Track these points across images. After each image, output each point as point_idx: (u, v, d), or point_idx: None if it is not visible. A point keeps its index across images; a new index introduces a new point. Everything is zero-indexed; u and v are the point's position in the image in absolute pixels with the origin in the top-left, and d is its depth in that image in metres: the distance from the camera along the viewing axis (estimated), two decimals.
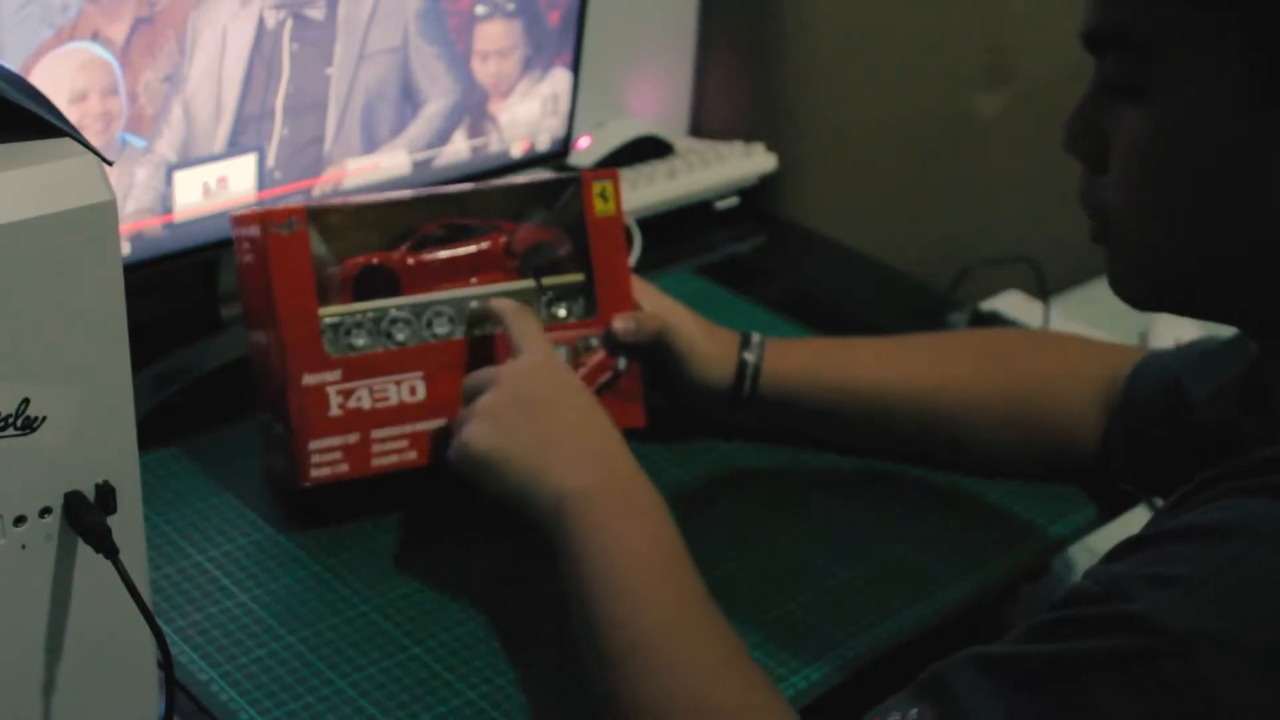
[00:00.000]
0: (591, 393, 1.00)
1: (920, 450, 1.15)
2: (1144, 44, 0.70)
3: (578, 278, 1.10)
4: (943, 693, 0.65)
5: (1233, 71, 0.68)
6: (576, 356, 1.08)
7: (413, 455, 1.05)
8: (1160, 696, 0.60)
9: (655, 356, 1.11)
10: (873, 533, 1.10)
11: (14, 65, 0.99)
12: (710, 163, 1.57)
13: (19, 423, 0.67)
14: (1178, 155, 0.71)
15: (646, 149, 1.57)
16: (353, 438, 1.03)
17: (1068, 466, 1.13)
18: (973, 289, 1.46)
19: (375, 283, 1.05)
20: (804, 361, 1.13)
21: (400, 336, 1.05)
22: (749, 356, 1.11)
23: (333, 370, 1.02)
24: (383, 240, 1.07)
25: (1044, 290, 1.42)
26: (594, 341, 1.09)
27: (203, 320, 1.25)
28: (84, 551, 0.71)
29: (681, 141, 1.63)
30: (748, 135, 1.63)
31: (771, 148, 1.61)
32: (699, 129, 1.69)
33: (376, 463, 1.04)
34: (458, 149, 1.31)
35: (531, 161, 1.38)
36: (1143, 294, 0.77)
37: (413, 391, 1.04)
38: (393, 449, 1.04)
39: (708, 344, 1.11)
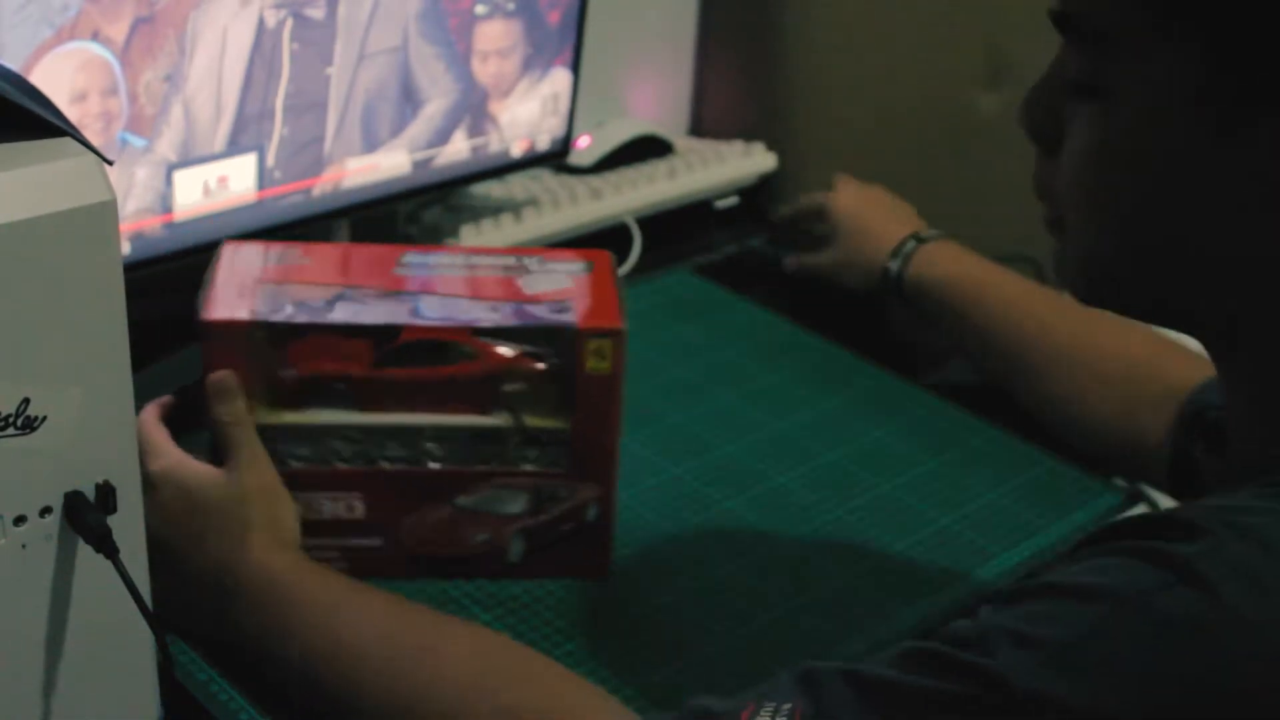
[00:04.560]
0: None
1: (1007, 378, 1.22)
2: (1104, 39, 0.69)
3: (561, 425, 0.98)
4: (815, 694, 0.67)
5: (1183, 84, 0.66)
6: (539, 504, 0.99)
7: (343, 566, 0.97)
8: None
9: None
10: (872, 533, 1.10)
11: (14, 65, 0.99)
12: (710, 162, 1.57)
13: (19, 423, 0.67)
14: (1123, 164, 0.70)
15: (646, 148, 1.56)
16: None
17: (1130, 461, 1.13)
18: None
19: (328, 394, 0.96)
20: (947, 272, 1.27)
21: (345, 455, 0.97)
22: (893, 266, 1.30)
23: None
24: (351, 347, 0.95)
25: None
26: (562, 493, 0.99)
27: None
28: (84, 551, 0.71)
29: (681, 141, 1.63)
30: (748, 135, 1.63)
31: (771, 147, 1.61)
32: (699, 129, 1.69)
33: None
34: (458, 149, 1.31)
35: (531, 161, 1.38)
36: (1084, 292, 0.76)
37: (350, 509, 0.97)
38: (322, 559, 0.95)
39: (869, 237, 1.33)
